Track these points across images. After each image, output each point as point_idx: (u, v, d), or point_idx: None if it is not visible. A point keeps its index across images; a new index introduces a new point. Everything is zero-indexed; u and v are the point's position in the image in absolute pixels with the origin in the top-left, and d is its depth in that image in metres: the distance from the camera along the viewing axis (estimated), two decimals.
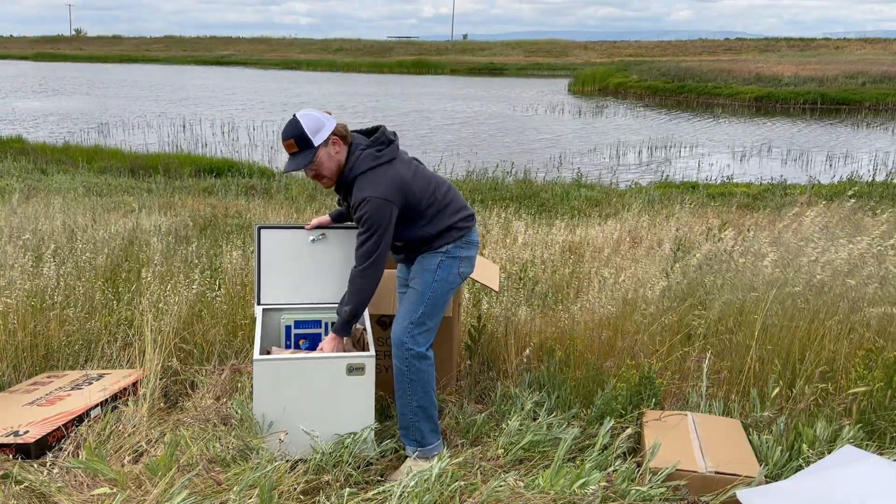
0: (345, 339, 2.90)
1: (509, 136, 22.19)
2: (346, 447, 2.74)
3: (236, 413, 2.97)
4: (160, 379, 3.27)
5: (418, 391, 2.82)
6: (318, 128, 2.68)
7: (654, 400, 3.15)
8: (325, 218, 3.14)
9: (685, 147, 20.07)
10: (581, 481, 2.49)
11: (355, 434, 2.79)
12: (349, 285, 2.81)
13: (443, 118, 26.29)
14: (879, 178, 13.51)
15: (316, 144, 2.68)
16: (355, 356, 2.82)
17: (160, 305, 3.87)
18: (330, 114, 2.78)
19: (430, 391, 2.85)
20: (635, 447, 2.91)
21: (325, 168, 2.73)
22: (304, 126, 2.67)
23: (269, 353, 2.94)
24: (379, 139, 2.78)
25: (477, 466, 2.73)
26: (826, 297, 3.60)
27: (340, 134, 2.73)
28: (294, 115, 2.73)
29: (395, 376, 2.85)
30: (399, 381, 2.84)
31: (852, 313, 3.48)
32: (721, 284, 4.02)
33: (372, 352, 2.87)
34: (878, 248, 3.91)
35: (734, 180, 14.10)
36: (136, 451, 2.82)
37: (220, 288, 4.25)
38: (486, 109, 30.30)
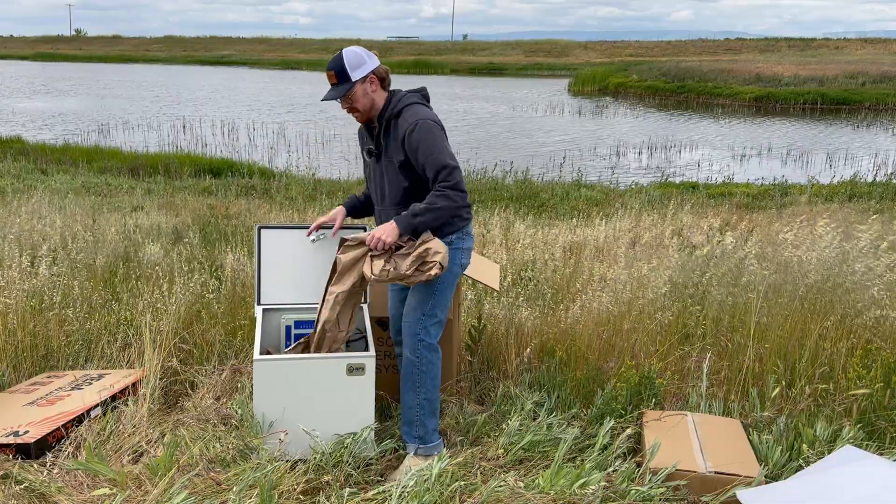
0: (400, 242, 2.73)
1: (520, 138, 22.13)
2: (346, 447, 2.75)
3: (236, 413, 2.97)
4: (160, 379, 3.27)
5: (427, 383, 2.84)
6: (359, 64, 2.80)
7: (654, 400, 3.15)
8: (339, 210, 3.11)
9: (685, 147, 20.07)
10: (581, 481, 2.49)
11: (355, 434, 2.79)
12: (429, 203, 2.70)
13: (455, 120, 26.15)
14: (879, 178, 13.50)
15: (354, 79, 2.79)
16: (355, 356, 2.82)
17: (159, 306, 3.87)
18: (376, 54, 2.90)
19: (437, 385, 2.87)
20: (635, 447, 2.91)
21: (358, 103, 2.84)
22: (345, 60, 2.78)
23: (268, 353, 2.94)
24: (423, 94, 2.92)
25: (477, 466, 2.73)
26: (824, 297, 3.60)
27: (380, 75, 2.85)
28: (340, 50, 2.84)
29: (404, 369, 2.87)
30: (409, 374, 2.85)
31: (849, 316, 3.48)
32: (719, 283, 4.02)
33: (372, 352, 2.87)
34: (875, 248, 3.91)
35: (734, 180, 14.10)
36: (136, 451, 2.81)
37: (219, 288, 4.24)
38: (493, 110, 30.22)
